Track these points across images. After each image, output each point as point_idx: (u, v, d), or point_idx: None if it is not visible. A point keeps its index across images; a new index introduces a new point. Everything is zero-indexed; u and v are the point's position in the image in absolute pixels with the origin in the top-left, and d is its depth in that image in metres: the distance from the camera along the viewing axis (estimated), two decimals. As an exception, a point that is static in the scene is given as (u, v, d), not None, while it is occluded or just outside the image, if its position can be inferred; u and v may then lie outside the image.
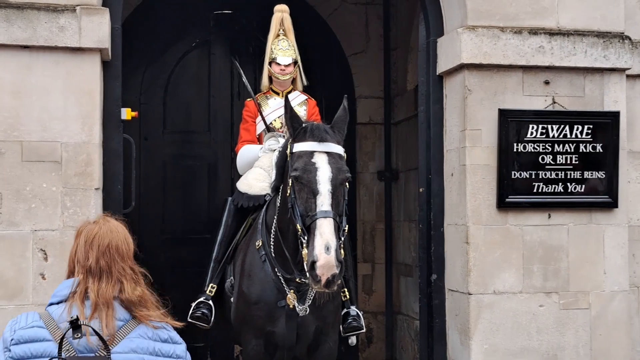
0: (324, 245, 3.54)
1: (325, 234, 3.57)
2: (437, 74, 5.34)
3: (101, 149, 4.71)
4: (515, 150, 5.08)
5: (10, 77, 4.52)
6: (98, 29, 4.59)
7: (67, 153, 4.56)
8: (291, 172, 3.84)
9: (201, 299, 4.73)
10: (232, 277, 4.67)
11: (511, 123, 5.07)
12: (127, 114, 4.90)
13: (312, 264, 3.55)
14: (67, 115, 4.57)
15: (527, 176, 5.11)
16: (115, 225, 2.67)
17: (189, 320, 4.68)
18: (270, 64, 5.12)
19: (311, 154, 3.83)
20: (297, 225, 3.74)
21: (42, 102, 4.55)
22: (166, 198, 7.15)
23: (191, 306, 4.73)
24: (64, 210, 4.54)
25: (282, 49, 5.08)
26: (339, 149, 3.92)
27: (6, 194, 4.48)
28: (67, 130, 4.57)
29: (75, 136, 4.58)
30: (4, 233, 4.46)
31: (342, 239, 3.73)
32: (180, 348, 2.59)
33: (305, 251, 3.66)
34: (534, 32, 5.14)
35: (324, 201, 3.68)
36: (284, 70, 5.07)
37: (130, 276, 2.62)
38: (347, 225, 3.86)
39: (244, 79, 5.39)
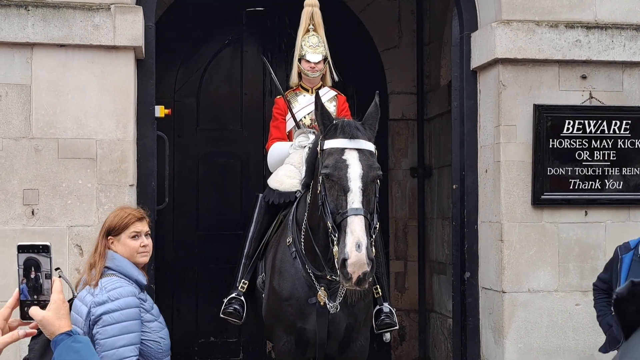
0: (355, 243, 3.50)
1: (356, 231, 3.54)
2: (471, 69, 5.29)
3: (135, 146, 4.76)
4: (551, 146, 5.01)
5: (47, 75, 4.59)
6: (132, 28, 4.64)
7: (102, 150, 4.61)
8: (322, 169, 3.81)
9: (233, 295, 4.74)
10: (263, 274, 4.67)
11: (547, 118, 5.00)
12: (160, 111, 4.95)
13: (343, 262, 3.52)
14: (102, 112, 4.63)
15: (563, 173, 5.03)
16: None
17: (222, 315, 4.71)
18: (299, 60, 5.11)
19: (342, 151, 3.80)
20: (328, 222, 3.71)
21: (77, 100, 4.61)
22: (199, 195, 7.20)
23: (223, 302, 4.75)
24: (99, 206, 4.60)
25: (312, 45, 5.06)
26: (370, 146, 3.87)
27: (43, 190, 4.55)
28: (102, 127, 4.62)
29: (110, 133, 4.63)
30: (41, 229, 4.53)
31: (374, 236, 3.71)
32: None
33: (336, 249, 3.63)
34: (570, 25, 5.05)
35: (354, 198, 3.65)
36: (314, 67, 5.06)
37: None
38: (378, 223, 3.83)
39: (274, 76, 5.39)
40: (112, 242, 3.28)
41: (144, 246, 3.30)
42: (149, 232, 3.39)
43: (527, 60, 5.02)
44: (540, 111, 4.99)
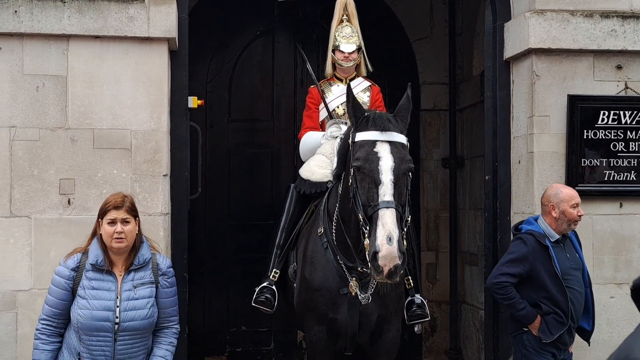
0: (386, 236, 3.49)
1: (387, 224, 3.52)
2: (504, 59, 5.24)
3: (169, 137, 4.81)
4: (585, 137, 4.95)
5: (83, 66, 4.65)
6: (166, 19, 4.68)
7: (137, 140, 4.67)
8: (353, 161, 3.80)
9: (265, 284, 4.77)
10: (294, 263, 4.69)
11: (581, 109, 4.94)
12: (193, 102, 4.99)
13: (374, 255, 3.51)
14: (136, 103, 4.68)
15: (598, 164, 4.98)
16: None
17: (253, 304, 4.75)
18: (333, 51, 5.11)
19: (373, 143, 3.78)
20: (359, 215, 3.70)
21: (112, 91, 4.67)
22: (230, 185, 7.25)
23: (254, 291, 4.78)
24: (133, 196, 4.65)
25: (346, 36, 5.06)
26: (401, 138, 3.84)
27: (79, 180, 4.62)
28: (136, 118, 4.68)
29: (144, 124, 4.68)
30: (77, 218, 4.60)
31: (405, 229, 3.69)
32: None
33: (367, 241, 3.62)
34: (605, 15, 4.98)
35: (386, 191, 3.63)
36: (348, 57, 5.05)
37: None
38: (410, 216, 3.81)
39: (308, 65, 5.40)
40: (100, 224, 3.73)
41: (118, 232, 3.62)
42: (127, 220, 3.67)
43: (561, 51, 4.97)
44: (575, 102, 4.93)
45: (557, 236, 4.39)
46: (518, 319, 4.38)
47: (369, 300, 4.13)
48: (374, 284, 4.12)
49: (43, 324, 3.71)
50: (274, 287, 4.76)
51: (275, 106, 7.35)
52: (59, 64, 4.63)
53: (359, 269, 4.05)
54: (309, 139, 5.10)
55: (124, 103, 4.67)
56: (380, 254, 3.49)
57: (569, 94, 4.95)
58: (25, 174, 4.58)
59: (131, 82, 4.68)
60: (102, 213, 3.71)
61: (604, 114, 4.97)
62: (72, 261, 3.70)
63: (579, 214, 4.38)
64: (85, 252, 3.72)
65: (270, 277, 4.79)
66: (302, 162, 5.14)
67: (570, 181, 4.91)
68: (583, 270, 4.48)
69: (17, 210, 4.53)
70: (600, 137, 4.99)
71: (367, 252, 3.62)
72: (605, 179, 4.98)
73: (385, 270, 3.49)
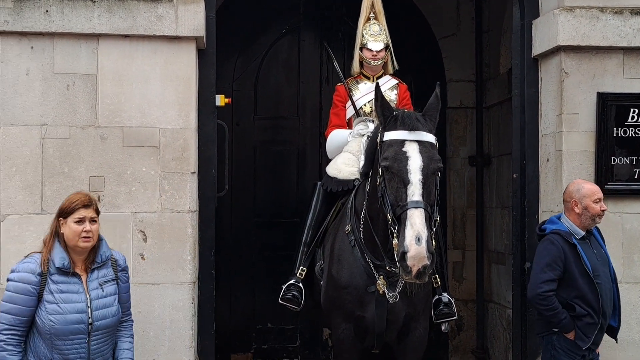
0: (415, 236, 3.48)
1: (416, 224, 3.52)
2: (532, 56, 5.21)
3: (197, 135, 4.84)
4: (615, 135, 4.91)
5: (112, 65, 4.70)
6: (194, 18, 4.71)
7: (165, 138, 4.71)
8: (381, 161, 3.79)
9: (291, 282, 4.79)
10: (321, 261, 4.70)
11: (611, 107, 4.90)
12: (221, 100, 5.02)
13: (403, 255, 3.51)
14: (164, 102, 4.72)
15: (628, 162, 4.93)
16: None
17: (280, 302, 4.77)
18: (361, 49, 5.10)
19: (402, 142, 3.77)
20: (388, 215, 3.70)
21: (141, 90, 4.71)
22: (257, 182, 7.28)
23: (281, 288, 4.80)
24: (162, 193, 4.70)
25: (374, 34, 5.06)
26: (430, 138, 3.82)
27: (108, 177, 4.67)
28: (165, 116, 4.72)
29: (172, 122, 4.72)
30: (106, 215, 4.64)
31: (434, 229, 3.68)
32: None
33: (395, 241, 3.62)
34: (636, 12, 4.93)
35: (414, 191, 3.62)
36: (376, 56, 5.05)
37: None
38: (438, 216, 3.80)
39: (335, 63, 5.40)
40: (62, 224, 3.67)
41: (86, 231, 3.63)
42: (95, 219, 3.70)
43: (591, 48, 4.92)
44: (604, 99, 4.89)
45: (582, 232, 4.37)
46: (557, 327, 4.33)
47: (396, 299, 4.13)
48: (401, 283, 4.11)
49: (7, 334, 3.56)
50: (300, 285, 4.78)
51: (300, 104, 7.36)
52: (89, 62, 4.68)
53: (386, 267, 4.05)
54: (335, 136, 5.11)
55: (153, 101, 4.71)
56: (409, 255, 3.48)
57: (599, 92, 4.90)
58: (56, 171, 4.64)
59: (160, 80, 4.72)
60: (68, 212, 3.66)
61: (634, 111, 4.92)
62: (35, 265, 3.61)
63: (602, 208, 4.35)
64: (45, 255, 3.65)
65: (297, 274, 4.81)
66: (329, 160, 5.15)
67: (600, 179, 4.87)
68: (609, 266, 4.45)
69: (48, 207, 4.59)
70: (630, 135, 4.93)
71: (395, 252, 3.62)
72: (636, 177, 4.92)
73: (414, 270, 3.49)
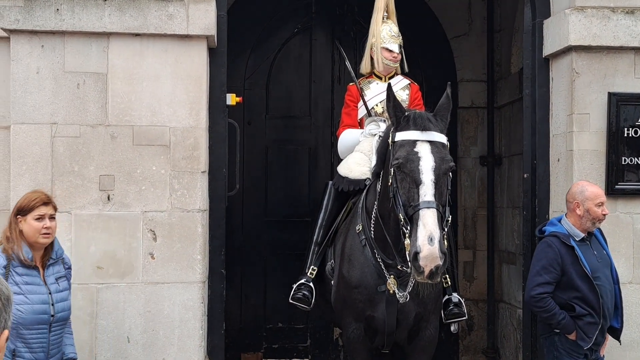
0: (427, 237, 3.48)
1: (428, 224, 3.51)
2: (543, 56, 5.18)
3: (207, 134, 4.85)
4: (626, 135, 4.88)
5: (123, 64, 4.72)
6: (205, 17, 4.72)
7: (176, 137, 4.72)
8: (393, 161, 3.79)
9: (302, 281, 4.79)
10: (332, 260, 4.70)
11: (622, 107, 4.87)
12: (232, 99, 5.02)
13: (415, 255, 3.50)
14: (175, 100, 4.73)
15: (638, 162, 4.89)
16: None
17: (290, 301, 4.77)
18: (378, 49, 5.08)
19: (414, 143, 3.77)
20: (400, 215, 3.69)
21: (152, 88, 4.72)
22: (268, 181, 7.29)
23: (292, 288, 4.80)
24: (172, 192, 4.71)
25: (394, 35, 5.05)
26: (442, 138, 3.82)
27: (118, 176, 4.69)
28: (175, 115, 4.73)
29: (183, 121, 4.73)
30: (116, 214, 4.67)
31: (446, 229, 3.68)
32: None
33: (407, 241, 3.61)
34: (648, 11, 4.89)
35: (426, 191, 3.62)
36: (396, 57, 5.05)
37: None
38: (450, 216, 3.79)
39: (347, 63, 5.39)
40: (20, 221, 3.74)
41: (46, 228, 3.72)
42: (54, 216, 3.79)
43: (602, 48, 4.89)
44: (616, 99, 4.86)
45: (582, 235, 4.35)
46: (557, 328, 4.32)
47: (406, 299, 4.13)
48: (412, 283, 4.11)
49: None
50: (311, 284, 4.78)
51: (312, 103, 7.37)
52: (99, 61, 4.70)
53: (398, 267, 4.05)
54: (347, 136, 5.11)
55: (163, 100, 4.72)
56: (421, 255, 3.48)
57: (610, 92, 4.88)
58: (66, 170, 4.67)
59: (170, 79, 4.73)
60: (28, 210, 3.75)
61: (645, 111, 4.88)
62: (1, 259, 3.70)
63: (604, 212, 4.34)
64: (12, 249, 3.72)
65: (308, 274, 4.81)
66: (340, 159, 5.15)
67: (610, 180, 4.85)
68: (611, 267, 4.43)
69: (58, 205, 4.59)
70: (642, 135, 4.90)
71: (407, 252, 3.61)
72: (647, 177, 4.89)
73: (427, 270, 3.48)
